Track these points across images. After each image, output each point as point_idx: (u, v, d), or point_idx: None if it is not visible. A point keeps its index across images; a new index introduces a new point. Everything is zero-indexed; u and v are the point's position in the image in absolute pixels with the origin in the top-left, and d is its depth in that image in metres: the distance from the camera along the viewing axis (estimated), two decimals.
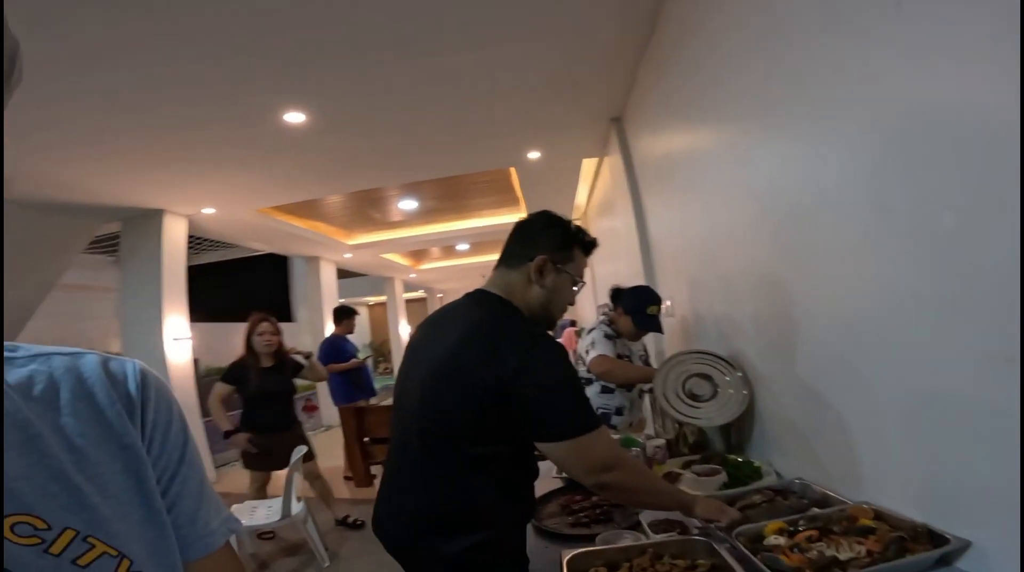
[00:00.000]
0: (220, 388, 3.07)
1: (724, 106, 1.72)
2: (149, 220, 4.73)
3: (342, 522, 3.43)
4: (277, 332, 3.17)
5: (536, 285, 1.19)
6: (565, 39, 2.58)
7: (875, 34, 0.92)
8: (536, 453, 1.11)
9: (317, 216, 6.24)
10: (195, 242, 6.96)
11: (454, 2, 2.20)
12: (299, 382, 3.32)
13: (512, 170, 4.82)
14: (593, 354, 2.15)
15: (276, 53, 2.43)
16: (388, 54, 2.54)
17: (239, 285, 10.89)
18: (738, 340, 1.86)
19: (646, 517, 1.24)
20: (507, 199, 6.05)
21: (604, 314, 2.33)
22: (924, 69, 0.82)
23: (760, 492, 1.27)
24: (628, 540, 1.09)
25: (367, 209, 6.18)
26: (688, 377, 1.83)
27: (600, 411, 2.24)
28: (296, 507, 2.84)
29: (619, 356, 2.18)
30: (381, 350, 12.68)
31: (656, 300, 2.18)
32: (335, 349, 4.47)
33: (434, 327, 1.23)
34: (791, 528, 0.99)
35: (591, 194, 5.86)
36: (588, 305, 6.65)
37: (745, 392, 1.72)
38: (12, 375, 0.42)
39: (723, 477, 1.46)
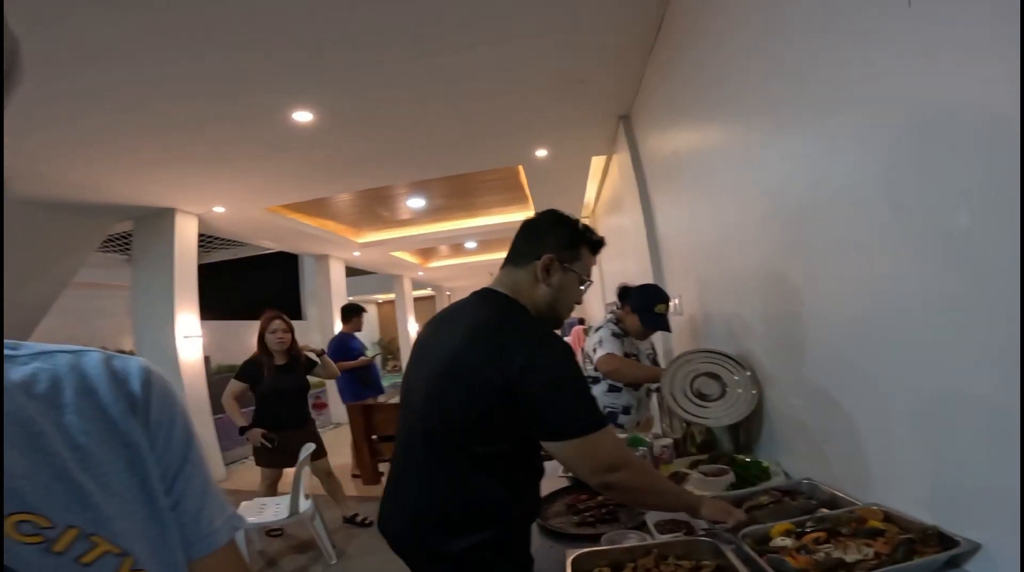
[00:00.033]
0: (234, 385, 3.10)
1: (731, 103, 1.71)
2: (161, 219, 4.79)
3: (350, 520, 3.45)
4: (290, 330, 3.19)
5: (543, 284, 1.19)
6: (572, 36, 2.57)
7: (885, 29, 0.90)
8: (542, 452, 1.11)
9: (326, 214, 6.28)
10: (206, 241, 7.04)
11: (461, 0, 2.19)
12: (310, 379, 3.35)
13: (520, 168, 4.81)
14: (600, 352, 2.14)
15: (284, 52, 2.44)
16: (395, 52, 2.54)
17: (250, 283, 11.01)
18: (747, 339, 1.84)
19: (652, 517, 1.23)
20: (515, 197, 6.05)
21: (611, 312, 2.33)
22: (935, 64, 0.80)
23: (767, 493, 1.26)
24: (633, 540, 1.09)
25: (376, 207, 6.20)
26: (696, 376, 1.81)
27: (607, 410, 2.24)
28: (304, 505, 2.86)
29: (626, 355, 2.17)
30: (390, 348, 12.75)
31: (664, 299, 2.17)
32: (343, 347, 4.50)
33: (441, 326, 1.23)
34: (798, 530, 0.98)
35: (600, 192, 5.84)
36: (597, 303, 6.64)
37: (754, 392, 1.71)
38: (15, 373, 0.42)
39: (730, 477, 1.45)
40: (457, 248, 9.34)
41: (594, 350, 2.19)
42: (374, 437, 3.93)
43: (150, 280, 4.86)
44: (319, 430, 3.44)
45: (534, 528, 1.24)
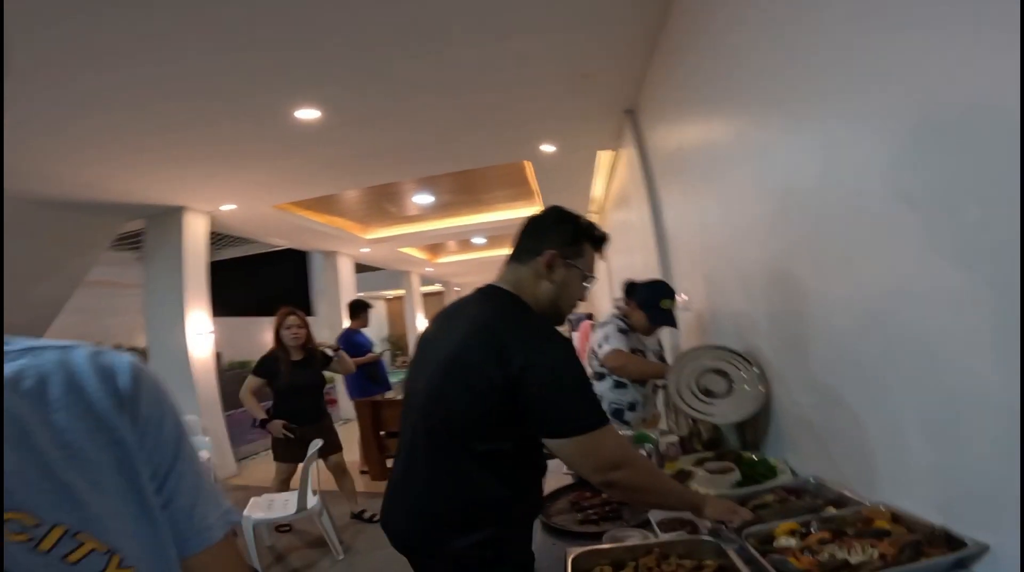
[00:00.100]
0: (251, 381, 3.13)
1: (738, 97, 1.68)
2: (171, 217, 4.83)
3: (357, 516, 3.48)
4: (304, 325, 3.21)
5: (546, 280, 1.18)
6: (576, 31, 2.55)
7: (894, 20, 0.88)
8: (544, 450, 1.10)
9: (334, 211, 6.31)
10: (217, 238, 7.10)
11: None
12: (326, 375, 3.37)
13: (527, 163, 4.79)
14: (607, 348, 2.13)
15: (289, 50, 2.45)
16: (400, 49, 2.54)
17: (261, 280, 11.10)
18: (754, 336, 1.82)
19: (655, 516, 1.23)
20: (523, 192, 6.03)
21: (617, 308, 2.31)
22: (946, 57, 0.78)
23: (773, 491, 1.25)
24: (635, 539, 1.08)
25: (383, 203, 6.22)
26: (703, 373, 1.79)
27: (613, 406, 2.22)
28: (312, 501, 2.88)
29: (633, 350, 2.16)
30: (399, 344, 12.81)
31: (670, 294, 2.15)
32: (350, 343, 4.52)
33: (444, 323, 1.23)
34: (803, 530, 0.96)
35: (607, 187, 5.80)
36: (606, 299, 6.60)
37: (761, 389, 1.69)
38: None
39: (736, 475, 1.43)
40: (465, 244, 9.34)
41: (600, 346, 2.18)
42: (382, 433, 3.96)
43: (161, 278, 4.92)
44: None
45: (536, 525, 1.24)
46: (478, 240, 8.78)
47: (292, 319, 3.16)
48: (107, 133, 3.09)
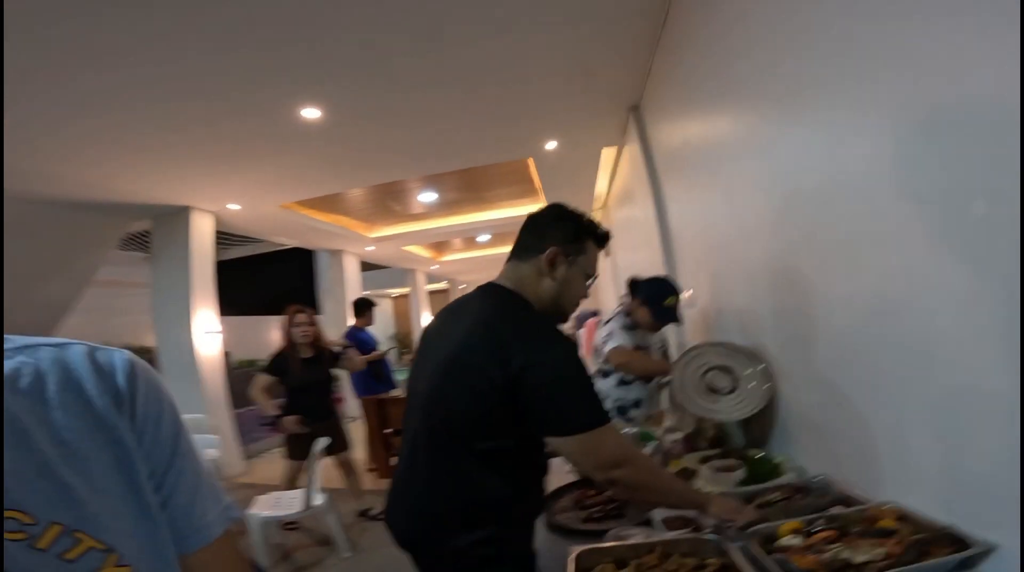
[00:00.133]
0: (263, 379, 3.14)
1: (741, 92, 1.67)
2: (177, 217, 4.86)
3: (364, 514, 3.49)
4: (313, 323, 3.23)
5: (547, 277, 1.18)
6: (579, 27, 2.54)
7: (900, 11, 0.86)
8: (547, 449, 1.10)
9: (339, 210, 6.32)
10: (223, 238, 7.14)
11: None
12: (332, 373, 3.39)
13: (530, 161, 4.78)
14: (611, 345, 2.12)
15: (289, 48, 2.45)
16: (401, 46, 2.53)
17: (267, 279, 11.17)
18: (759, 332, 1.81)
19: (658, 514, 1.22)
20: (527, 190, 6.02)
21: (622, 305, 2.30)
22: (953, 49, 0.76)
23: (778, 490, 1.23)
24: (638, 537, 1.08)
25: (388, 202, 6.23)
26: (707, 370, 1.78)
27: (618, 404, 2.22)
28: (318, 498, 2.89)
29: (637, 347, 2.15)
30: (405, 342, 12.85)
31: (674, 291, 2.13)
32: (355, 341, 4.54)
33: (445, 321, 1.23)
34: (807, 529, 0.95)
35: (611, 183, 5.78)
36: (612, 296, 6.58)
37: (767, 385, 1.67)
38: None
39: (741, 473, 1.43)
40: (470, 241, 9.34)
41: (604, 343, 2.17)
42: (388, 431, 3.96)
43: (168, 277, 4.96)
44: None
45: (539, 524, 1.23)
46: (483, 238, 8.78)
47: (301, 317, 3.18)
48: (112, 134, 3.11)
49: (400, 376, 5.02)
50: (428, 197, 6.07)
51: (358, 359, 3.58)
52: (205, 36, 2.27)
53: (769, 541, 0.94)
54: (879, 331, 1.07)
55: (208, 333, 4.95)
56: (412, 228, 7.34)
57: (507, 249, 1.26)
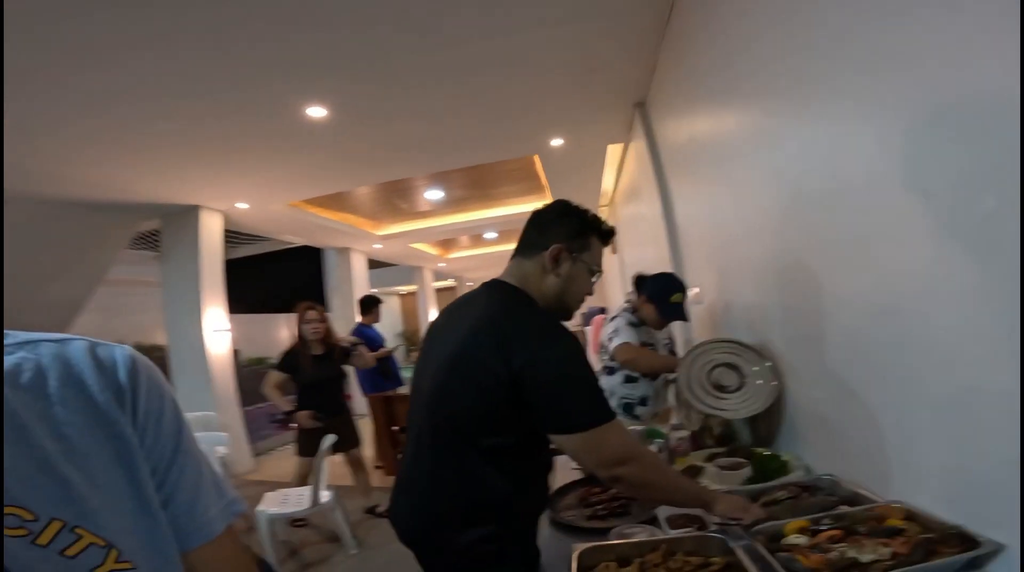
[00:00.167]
0: (275, 376, 3.17)
1: (747, 87, 1.65)
2: (186, 216, 4.91)
3: (371, 511, 3.51)
4: (324, 319, 3.25)
5: (551, 274, 1.17)
6: (582, 24, 2.52)
7: (906, 5, 0.85)
8: (552, 446, 1.10)
9: (346, 208, 6.34)
10: (232, 236, 7.18)
11: None
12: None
13: (536, 157, 4.77)
14: (616, 342, 2.11)
15: (294, 47, 2.45)
16: (405, 44, 2.53)
17: (277, 277, 11.22)
18: (767, 329, 1.79)
19: (663, 512, 1.21)
20: (533, 186, 6.01)
21: (627, 301, 2.29)
22: (961, 41, 0.75)
23: (785, 488, 1.22)
24: (642, 535, 1.07)
25: (395, 199, 6.24)
26: (714, 367, 1.77)
27: (624, 401, 2.21)
28: (325, 496, 2.91)
29: (643, 344, 2.14)
30: (412, 339, 12.89)
31: (680, 288, 2.12)
32: (362, 338, 4.55)
33: (450, 318, 1.23)
34: (814, 527, 0.94)
35: (618, 180, 5.75)
36: (619, 293, 6.56)
37: (774, 383, 1.66)
38: None
39: (748, 471, 1.41)
40: (477, 238, 9.34)
41: (610, 339, 2.17)
42: (395, 428, 3.98)
43: (178, 276, 5.01)
44: None
45: (544, 521, 1.23)
46: (490, 235, 8.78)
47: (311, 313, 3.20)
48: (122, 135, 3.14)
49: (407, 373, 5.04)
50: (435, 195, 6.07)
51: (368, 356, 3.60)
52: (208, 35, 2.28)
53: (775, 540, 0.94)
54: (887, 328, 1.06)
55: (217, 331, 4.99)
56: (419, 226, 7.36)
57: (514, 246, 1.25)
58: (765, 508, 1.09)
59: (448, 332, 1.15)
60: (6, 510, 0.36)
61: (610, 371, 2.23)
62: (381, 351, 4.57)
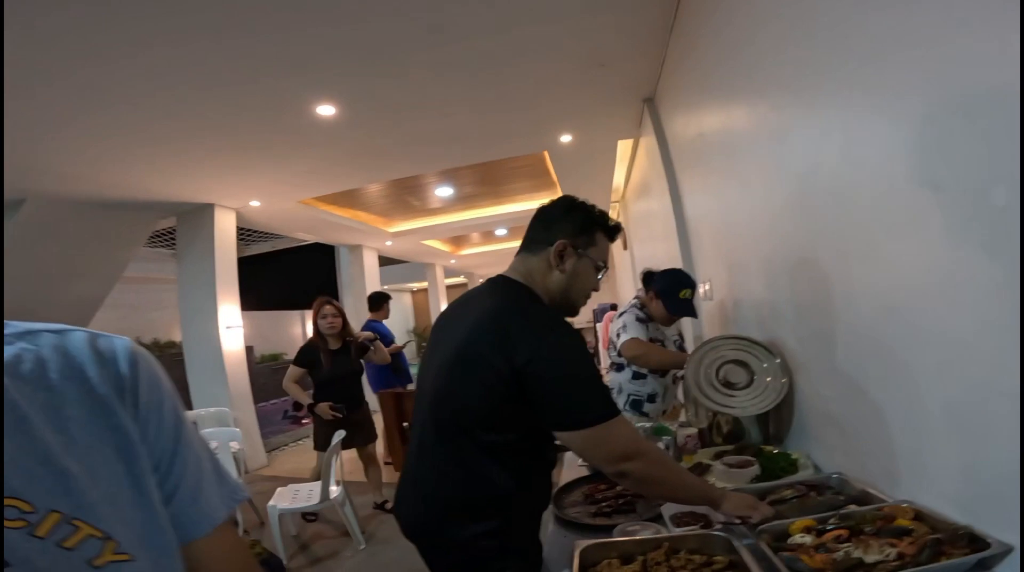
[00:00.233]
0: (293, 371, 3.20)
1: (755, 82, 1.62)
2: (200, 214, 4.98)
3: (380, 506, 3.54)
4: (340, 314, 3.27)
5: (556, 270, 1.17)
6: (590, 20, 2.51)
7: None
8: (556, 442, 1.09)
9: (358, 205, 6.38)
10: (246, 234, 7.27)
11: None
12: None
13: (546, 154, 4.75)
14: (624, 337, 2.10)
15: (303, 45, 2.46)
16: (413, 40, 2.53)
17: (290, 274, 11.35)
18: (776, 325, 1.77)
19: (668, 510, 1.20)
20: (543, 183, 5.99)
21: (636, 297, 2.28)
22: (972, 32, 0.73)
23: (792, 487, 1.21)
24: (646, 533, 1.07)
25: (406, 196, 6.26)
26: (723, 363, 1.75)
27: (632, 397, 2.20)
28: (335, 491, 2.94)
29: (651, 340, 2.12)
30: (424, 336, 12.96)
31: (689, 284, 2.10)
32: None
33: (454, 314, 1.23)
34: (820, 527, 0.93)
35: (628, 176, 5.71)
36: (630, 289, 6.52)
37: (784, 380, 1.64)
38: None
39: (755, 469, 1.40)
40: (488, 235, 9.34)
41: (618, 335, 2.15)
42: (405, 424, 4.00)
43: (193, 273, 5.08)
44: None
45: (549, 517, 1.23)
46: (500, 231, 8.77)
47: (328, 308, 3.23)
48: (134, 132, 3.19)
49: (416, 370, 5.06)
50: (445, 192, 6.08)
51: (384, 351, 3.63)
52: (218, 33, 2.29)
53: (780, 539, 0.92)
54: (898, 325, 1.04)
55: (231, 328, 5.06)
56: (430, 222, 7.38)
57: None
58: (773, 507, 1.08)
59: (452, 329, 1.15)
60: (5, 502, 0.36)
61: (618, 367, 2.22)
62: (394, 347, 4.59)
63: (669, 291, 2.09)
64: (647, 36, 2.68)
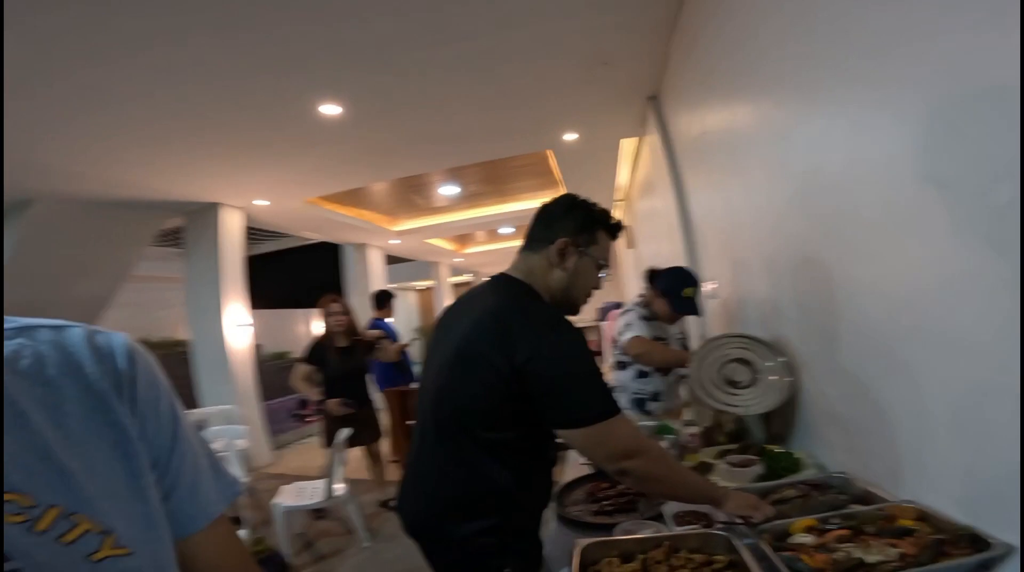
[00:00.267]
0: (302, 368, 3.23)
1: (759, 79, 1.61)
2: (207, 213, 5.01)
3: (384, 504, 3.55)
4: (347, 312, 3.30)
5: (557, 268, 1.17)
6: (594, 17, 2.50)
7: None
8: (558, 440, 1.09)
9: (363, 204, 6.40)
10: (253, 233, 7.30)
11: None
12: None
13: (550, 153, 4.75)
14: (628, 335, 2.10)
15: (309, 45, 2.47)
16: (416, 39, 2.53)
17: (297, 273, 11.39)
18: (780, 324, 1.76)
19: (669, 509, 1.20)
20: (548, 182, 5.99)
21: (640, 296, 2.27)
22: (977, 29, 0.72)
23: (794, 486, 1.20)
24: (647, 531, 1.07)
25: (410, 195, 6.27)
26: (726, 362, 1.75)
27: (636, 396, 2.20)
28: (339, 488, 2.95)
29: (655, 339, 2.12)
30: (430, 334, 12.99)
31: (692, 282, 2.09)
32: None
33: (455, 312, 1.23)
34: (821, 526, 0.93)
35: (633, 175, 5.69)
36: (635, 287, 6.51)
37: (788, 379, 1.63)
38: None
39: (758, 468, 1.39)
40: (492, 234, 9.34)
41: (621, 334, 2.15)
42: (409, 422, 4.00)
43: (200, 272, 5.11)
44: None
45: (551, 515, 1.23)
46: (505, 230, 8.77)
47: (335, 306, 3.25)
48: (138, 132, 3.21)
49: (419, 369, 5.07)
50: (450, 190, 6.09)
51: (391, 349, 3.64)
52: (221, 31, 2.30)
53: (781, 538, 0.92)
54: (902, 323, 1.03)
55: (239, 326, 5.09)
56: (435, 221, 7.39)
57: None
58: (774, 506, 1.07)
59: (453, 327, 1.15)
60: (6, 497, 0.37)
61: (622, 366, 2.22)
62: (398, 345, 4.60)
63: (673, 289, 2.09)
64: (650, 33, 2.67)
